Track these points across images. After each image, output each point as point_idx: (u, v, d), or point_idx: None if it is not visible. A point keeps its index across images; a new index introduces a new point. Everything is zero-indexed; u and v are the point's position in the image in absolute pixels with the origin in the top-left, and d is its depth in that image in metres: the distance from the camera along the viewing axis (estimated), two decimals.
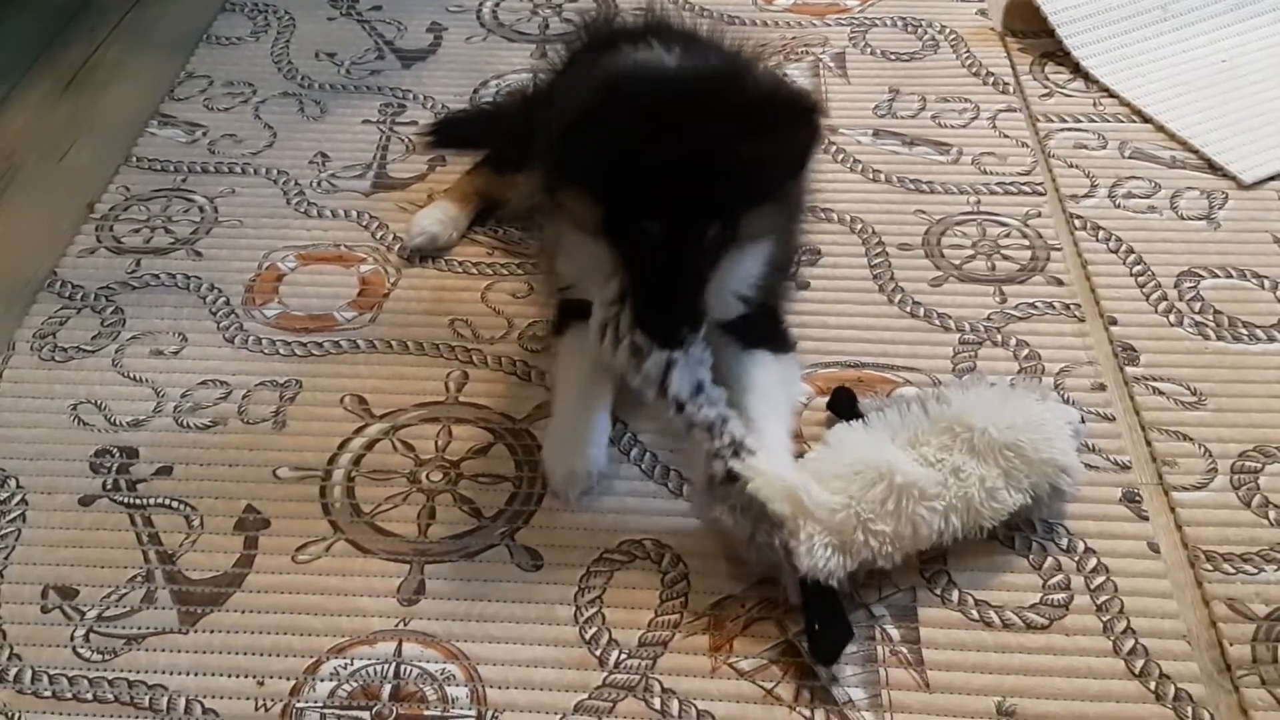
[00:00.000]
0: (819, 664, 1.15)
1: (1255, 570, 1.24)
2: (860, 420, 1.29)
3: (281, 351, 1.51)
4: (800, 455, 1.29)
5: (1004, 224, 1.67)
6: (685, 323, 1.22)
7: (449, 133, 1.86)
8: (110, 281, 1.62)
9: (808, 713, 1.13)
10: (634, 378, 1.25)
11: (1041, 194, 1.71)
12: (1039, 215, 1.68)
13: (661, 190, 1.17)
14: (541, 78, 1.77)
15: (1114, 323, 1.51)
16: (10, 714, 1.15)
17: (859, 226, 1.67)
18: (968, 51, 2.01)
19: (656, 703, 1.14)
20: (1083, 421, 1.32)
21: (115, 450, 1.39)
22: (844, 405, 1.35)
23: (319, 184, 1.78)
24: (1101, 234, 1.64)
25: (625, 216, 1.20)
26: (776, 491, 1.17)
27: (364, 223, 1.71)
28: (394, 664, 1.17)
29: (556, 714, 1.13)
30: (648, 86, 1.22)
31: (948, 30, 2.06)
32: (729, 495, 1.20)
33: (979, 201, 1.71)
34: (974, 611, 1.20)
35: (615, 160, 1.17)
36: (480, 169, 1.73)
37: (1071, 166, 1.76)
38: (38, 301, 1.59)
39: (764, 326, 1.39)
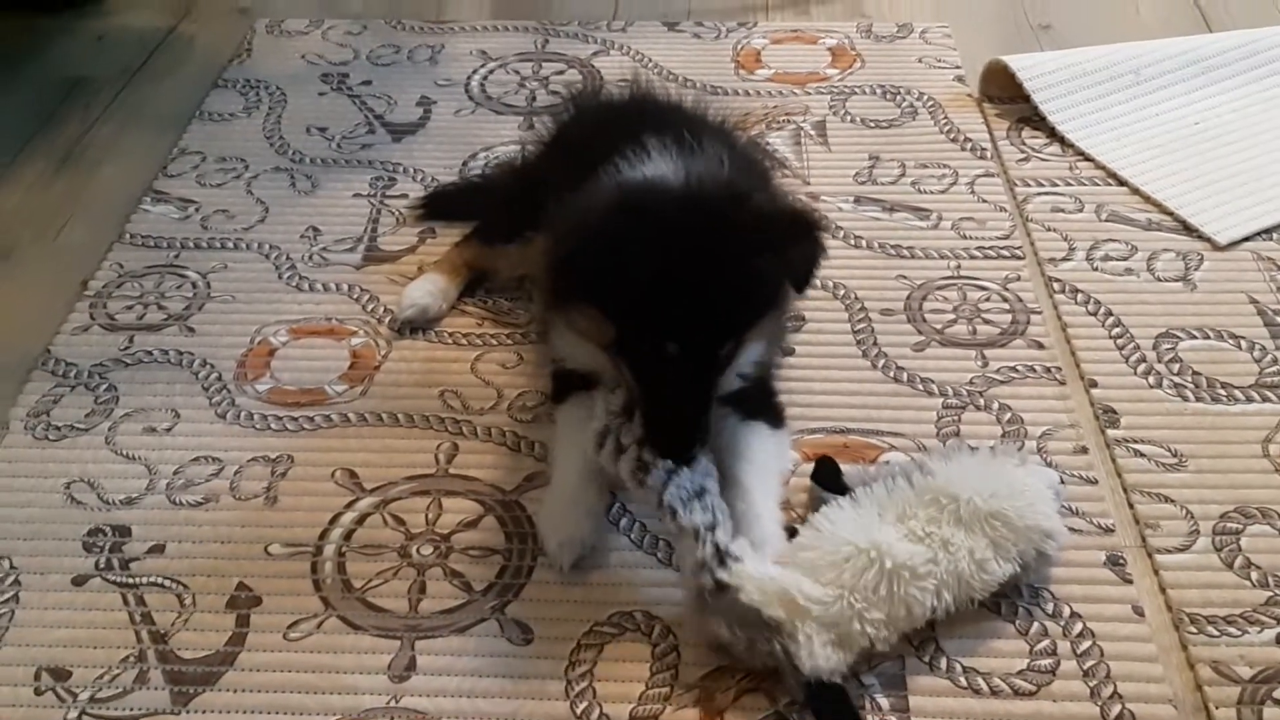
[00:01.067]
0: None
1: (1239, 632, 1.25)
2: (847, 496, 1.30)
3: (273, 426, 1.53)
4: (790, 530, 1.30)
5: (984, 288, 1.69)
6: (697, 439, 1.25)
7: (439, 205, 1.89)
8: (103, 359, 1.64)
9: None
10: (636, 489, 1.27)
11: (1020, 258, 1.75)
12: (1018, 279, 1.71)
13: (680, 313, 1.20)
14: (530, 150, 1.81)
15: (1094, 385, 1.54)
16: None
17: (842, 292, 1.69)
18: (946, 118, 2.05)
19: None
20: (1062, 483, 1.34)
21: (108, 529, 1.40)
22: (828, 477, 1.36)
23: (310, 258, 1.80)
24: (1080, 296, 1.67)
25: (642, 337, 1.23)
26: (769, 596, 1.17)
27: (355, 296, 1.73)
28: None
29: None
30: (658, 208, 1.24)
31: (926, 97, 2.10)
32: (721, 607, 1.19)
33: (959, 266, 1.74)
34: (962, 679, 1.21)
35: (632, 285, 1.19)
36: (469, 241, 1.75)
37: (1049, 230, 1.79)
38: (31, 380, 1.61)
39: (761, 398, 1.41)
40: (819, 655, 1.15)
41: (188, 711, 1.21)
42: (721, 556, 1.20)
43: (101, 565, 1.36)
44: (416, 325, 1.67)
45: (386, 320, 1.68)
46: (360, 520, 1.40)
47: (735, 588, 1.18)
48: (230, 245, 1.84)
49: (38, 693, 1.23)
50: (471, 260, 1.73)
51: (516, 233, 1.62)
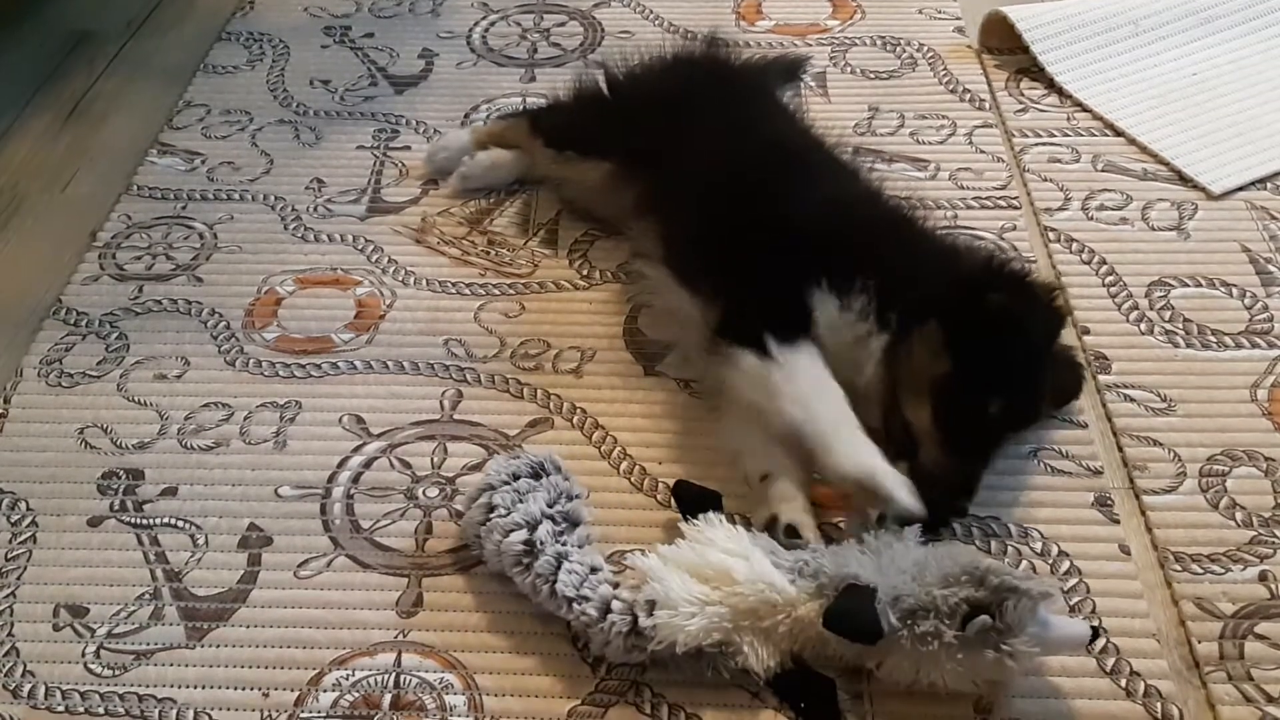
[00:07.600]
0: None
1: (1222, 570, 1.28)
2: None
3: (281, 373, 1.56)
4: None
5: (981, 238, 1.71)
6: None
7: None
8: (114, 308, 1.67)
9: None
10: (516, 574, 1.23)
11: (1017, 208, 1.76)
12: (1014, 228, 1.72)
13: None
14: (628, 73, 1.79)
15: (1087, 332, 1.56)
16: None
17: None
18: (945, 69, 2.06)
19: (647, 707, 1.18)
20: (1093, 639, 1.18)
21: (122, 472, 1.44)
22: (692, 500, 1.29)
23: (315, 209, 1.83)
24: (1075, 246, 1.69)
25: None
26: (697, 632, 1.14)
27: (359, 246, 1.76)
28: (394, 674, 1.22)
29: None
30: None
31: (926, 48, 2.11)
32: (679, 663, 1.17)
33: (956, 216, 1.75)
34: None
35: None
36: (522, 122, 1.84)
37: (1045, 180, 1.81)
38: (44, 329, 1.64)
39: None
40: (766, 659, 1.15)
41: (202, 645, 1.25)
42: (636, 630, 1.15)
43: (116, 507, 1.40)
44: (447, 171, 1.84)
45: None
46: (368, 464, 1.44)
47: (668, 644, 1.14)
48: (236, 197, 1.86)
49: (56, 628, 1.28)
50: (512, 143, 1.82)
51: (570, 143, 1.69)
